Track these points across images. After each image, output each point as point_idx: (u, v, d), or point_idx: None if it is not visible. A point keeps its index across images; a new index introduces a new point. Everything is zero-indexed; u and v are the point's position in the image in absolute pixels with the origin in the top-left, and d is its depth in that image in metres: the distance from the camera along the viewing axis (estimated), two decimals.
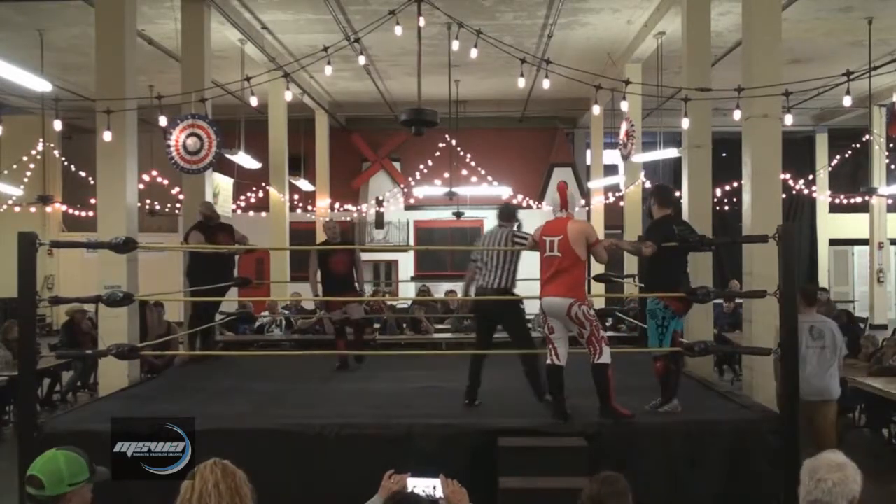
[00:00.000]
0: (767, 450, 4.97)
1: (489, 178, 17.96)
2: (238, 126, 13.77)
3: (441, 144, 17.21)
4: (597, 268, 14.47)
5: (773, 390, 5.90)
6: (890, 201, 17.34)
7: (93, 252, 10.21)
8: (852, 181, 18.74)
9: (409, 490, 2.65)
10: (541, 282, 5.24)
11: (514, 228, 5.97)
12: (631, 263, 11.93)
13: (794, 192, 17.32)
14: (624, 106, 9.02)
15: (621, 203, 14.62)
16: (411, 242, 19.12)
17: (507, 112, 18.25)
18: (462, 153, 17.64)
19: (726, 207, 15.32)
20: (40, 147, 15.91)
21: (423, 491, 2.67)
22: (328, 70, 9.25)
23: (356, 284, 7.80)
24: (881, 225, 17.36)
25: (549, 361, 5.16)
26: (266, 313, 11.59)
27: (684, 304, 5.48)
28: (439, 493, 2.66)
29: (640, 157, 13.57)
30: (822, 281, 19.05)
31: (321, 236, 17.19)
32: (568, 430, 4.97)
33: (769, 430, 5.02)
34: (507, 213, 6.12)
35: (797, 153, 18.07)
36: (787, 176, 15.31)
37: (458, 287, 14.45)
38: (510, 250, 5.82)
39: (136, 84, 7.82)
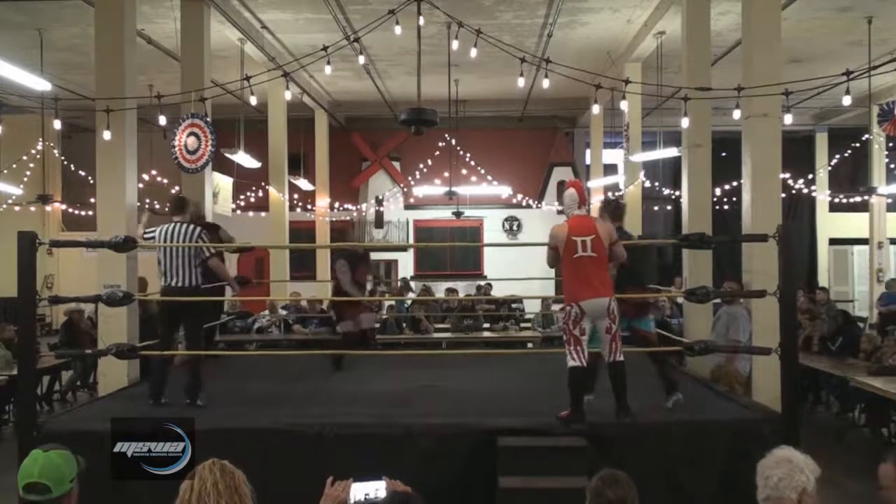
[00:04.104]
0: (768, 450, 4.94)
1: (489, 177, 17.96)
2: (238, 125, 13.76)
3: (441, 144, 17.21)
4: None
5: (773, 391, 5.91)
6: (890, 201, 17.33)
7: (92, 251, 10.20)
8: (852, 181, 18.74)
9: (354, 495, 2.63)
10: (575, 283, 5.05)
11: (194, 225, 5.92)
12: None
13: (793, 191, 17.32)
14: (624, 105, 9.03)
15: (621, 203, 14.61)
16: (411, 242, 19.14)
17: (507, 112, 18.24)
18: (462, 153, 17.64)
19: (726, 207, 15.32)
20: (40, 146, 15.92)
21: (366, 496, 2.65)
22: (328, 70, 9.25)
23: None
24: (881, 224, 17.36)
25: (575, 364, 5.03)
26: (266, 313, 11.59)
27: (632, 305, 5.55)
28: (382, 495, 2.64)
29: (640, 157, 13.58)
30: (822, 280, 19.06)
31: (316, 234, 17.21)
32: (568, 430, 4.97)
33: (769, 430, 5.01)
34: (180, 205, 6.02)
35: (797, 153, 18.05)
36: (787, 175, 15.31)
37: (459, 286, 14.53)
38: (194, 248, 5.74)
39: (136, 83, 7.82)
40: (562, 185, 18.81)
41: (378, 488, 2.64)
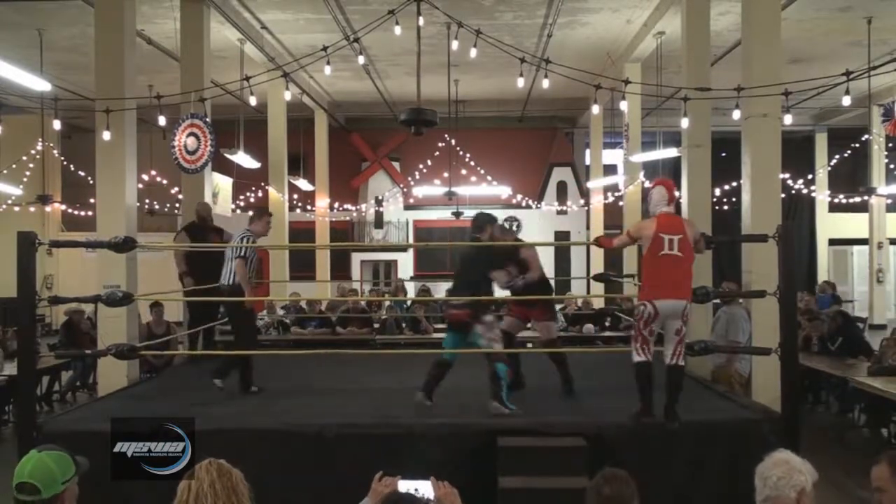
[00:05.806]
0: (768, 450, 4.92)
1: (489, 177, 17.96)
2: (237, 126, 13.77)
3: (440, 144, 17.22)
4: (595, 266, 14.21)
5: (773, 391, 5.90)
6: (889, 201, 17.36)
7: (92, 252, 10.22)
8: (852, 181, 18.76)
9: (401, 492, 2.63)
10: (656, 281, 5.00)
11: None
12: (631, 262, 11.93)
13: (793, 191, 17.33)
14: (623, 106, 9.03)
15: (620, 203, 14.63)
16: (411, 242, 19.14)
17: (507, 112, 18.26)
18: (461, 153, 17.64)
19: (726, 207, 15.33)
20: (40, 147, 15.92)
21: (416, 490, 2.65)
22: (327, 70, 9.26)
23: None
24: (880, 225, 17.38)
25: (641, 359, 4.98)
26: (264, 314, 11.58)
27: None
28: (430, 495, 2.64)
29: (640, 157, 13.58)
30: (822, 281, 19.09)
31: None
32: (568, 430, 4.97)
33: (769, 430, 5.01)
34: (251, 216, 6.62)
35: (797, 153, 18.09)
36: (787, 175, 15.32)
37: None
38: (236, 249, 6.19)
39: (136, 84, 7.82)
40: (564, 185, 18.92)
41: (425, 487, 2.64)
